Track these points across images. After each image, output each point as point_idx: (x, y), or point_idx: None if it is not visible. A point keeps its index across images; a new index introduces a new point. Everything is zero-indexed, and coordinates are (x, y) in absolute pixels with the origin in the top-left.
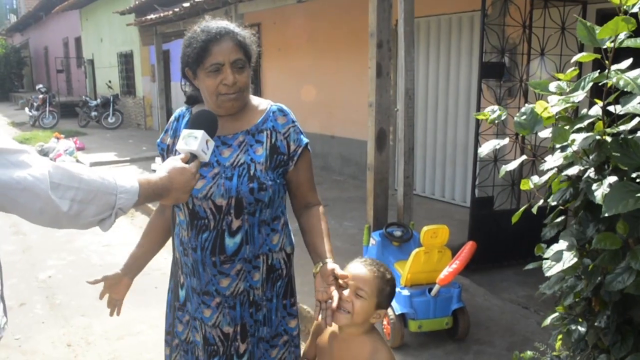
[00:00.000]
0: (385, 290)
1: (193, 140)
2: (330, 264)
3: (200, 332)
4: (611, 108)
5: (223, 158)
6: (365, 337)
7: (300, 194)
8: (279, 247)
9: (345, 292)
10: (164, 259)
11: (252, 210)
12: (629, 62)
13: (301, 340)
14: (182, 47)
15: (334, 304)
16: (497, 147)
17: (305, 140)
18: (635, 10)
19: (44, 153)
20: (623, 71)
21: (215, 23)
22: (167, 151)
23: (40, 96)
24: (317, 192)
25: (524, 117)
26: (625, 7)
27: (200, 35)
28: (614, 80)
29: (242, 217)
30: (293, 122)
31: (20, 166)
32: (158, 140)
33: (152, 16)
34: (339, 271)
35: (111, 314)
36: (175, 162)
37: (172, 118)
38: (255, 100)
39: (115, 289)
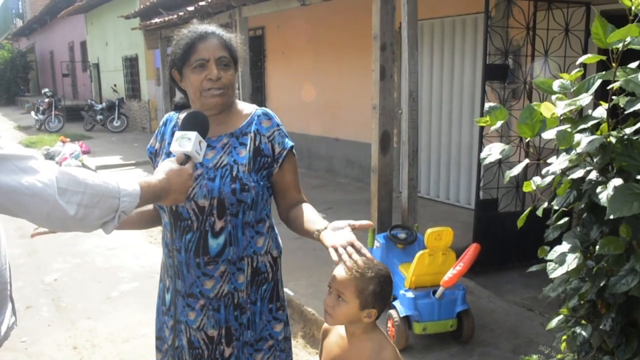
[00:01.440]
0: (367, 289)
1: (187, 142)
2: (325, 233)
3: (185, 335)
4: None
5: (206, 159)
6: (368, 336)
7: (289, 196)
8: (264, 250)
9: (329, 297)
10: None
11: (234, 211)
12: (637, 63)
13: (293, 345)
14: (170, 50)
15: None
16: (499, 155)
17: (290, 143)
18: None
19: (49, 157)
20: (630, 72)
21: (202, 25)
22: (155, 155)
23: (46, 100)
24: (303, 193)
25: (527, 119)
26: (636, 10)
27: (187, 34)
28: (621, 82)
29: (224, 218)
30: (278, 125)
31: (28, 172)
32: (148, 144)
33: (157, 20)
34: (354, 223)
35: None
36: (171, 164)
37: (160, 123)
38: (240, 104)
39: None
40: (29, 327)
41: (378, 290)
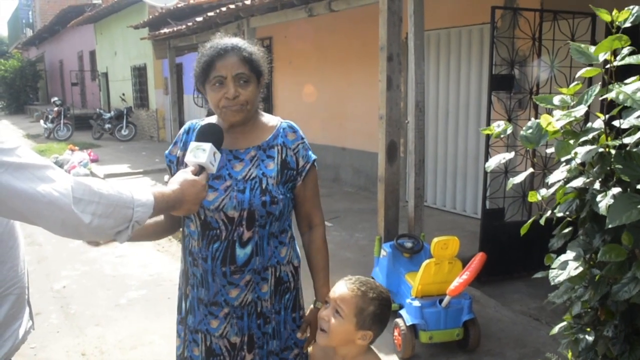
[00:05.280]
0: (367, 310)
1: (202, 153)
2: (310, 313)
3: (203, 345)
4: (616, 121)
5: (235, 171)
6: (362, 358)
7: (305, 210)
8: (286, 259)
9: (326, 310)
10: (176, 269)
11: (263, 222)
12: (633, 79)
13: None
14: (194, 63)
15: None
16: (503, 161)
17: (313, 156)
18: (627, 25)
19: (58, 165)
20: (623, 85)
21: (224, 40)
22: (177, 163)
23: (55, 109)
24: (321, 209)
25: (530, 131)
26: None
27: (208, 51)
28: (614, 95)
29: (253, 229)
30: (302, 138)
31: (45, 180)
32: (166, 151)
33: (166, 30)
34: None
35: None
36: (186, 174)
37: (181, 130)
38: (265, 117)
39: None
40: (38, 334)
41: (378, 312)
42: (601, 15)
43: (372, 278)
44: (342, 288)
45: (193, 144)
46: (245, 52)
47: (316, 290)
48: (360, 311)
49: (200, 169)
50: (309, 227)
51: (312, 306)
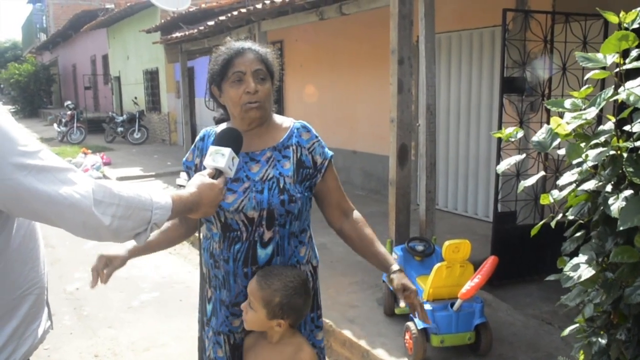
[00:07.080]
0: (274, 301)
1: (220, 157)
2: (397, 278)
3: (226, 345)
4: (627, 126)
5: (252, 173)
6: (287, 341)
7: (334, 201)
8: (305, 259)
9: (244, 302)
10: (187, 272)
11: (282, 222)
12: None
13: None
14: (208, 67)
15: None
16: (512, 163)
17: (330, 153)
18: (635, 26)
19: None
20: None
21: (238, 42)
22: (194, 170)
23: (69, 112)
24: (347, 198)
25: (543, 136)
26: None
27: (225, 51)
28: (624, 96)
29: (273, 228)
30: (316, 137)
31: (67, 183)
32: (184, 159)
33: (178, 34)
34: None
35: (94, 284)
36: (203, 178)
37: (197, 138)
38: (278, 118)
39: (112, 260)
40: (52, 335)
41: (285, 302)
42: (608, 17)
43: (383, 281)
44: (252, 282)
45: (212, 148)
46: (262, 51)
47: (383, 258)
48: (268, 303)
49: (217, 173)
50: (345, 215)
51: (390, 276)
